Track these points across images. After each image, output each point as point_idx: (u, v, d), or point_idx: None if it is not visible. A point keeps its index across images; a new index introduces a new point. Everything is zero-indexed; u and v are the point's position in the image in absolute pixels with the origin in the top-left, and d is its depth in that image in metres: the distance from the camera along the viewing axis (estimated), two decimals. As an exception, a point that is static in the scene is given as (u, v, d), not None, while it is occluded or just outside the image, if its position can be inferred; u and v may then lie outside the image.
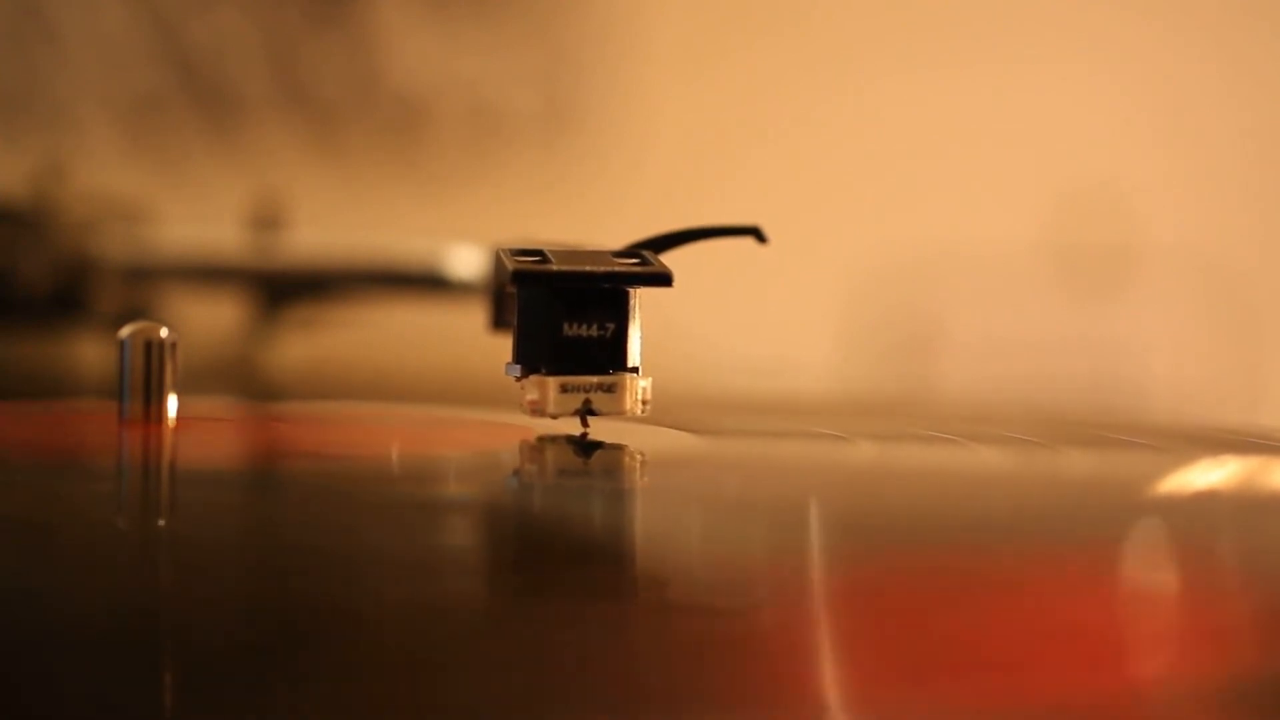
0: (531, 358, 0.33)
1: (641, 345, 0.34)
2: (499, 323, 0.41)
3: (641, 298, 0.34)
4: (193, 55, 0.94)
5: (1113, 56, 0.92)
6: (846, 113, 0.92)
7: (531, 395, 0.33)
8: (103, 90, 0.93)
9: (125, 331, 0.34)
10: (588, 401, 0.33)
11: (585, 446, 0.34)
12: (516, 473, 0.35)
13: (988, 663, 0.20)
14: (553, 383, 0.33)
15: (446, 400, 0.48)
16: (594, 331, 0.33)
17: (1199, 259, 0.90)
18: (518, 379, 0.33)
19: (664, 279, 0.33)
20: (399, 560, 0.24)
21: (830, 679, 0.20)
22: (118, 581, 0.23)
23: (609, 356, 0.33)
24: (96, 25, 0.93)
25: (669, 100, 0.93)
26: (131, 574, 0.23)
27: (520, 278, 0.33)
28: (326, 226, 0.65)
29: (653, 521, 0.29)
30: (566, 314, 0.33)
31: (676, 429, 0.37)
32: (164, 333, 0.34)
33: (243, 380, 0.58)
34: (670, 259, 0.34)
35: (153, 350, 0.34)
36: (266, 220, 0.64)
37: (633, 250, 0.34)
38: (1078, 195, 0.89)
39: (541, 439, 0.35)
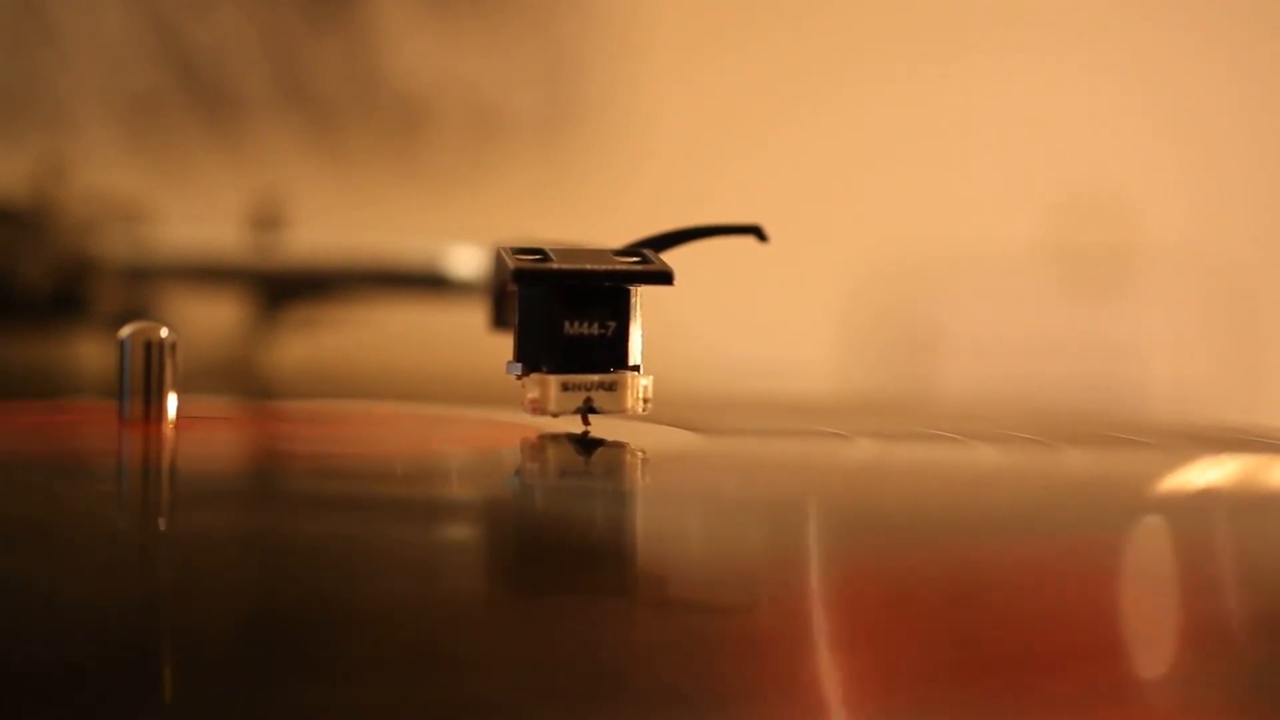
0: (533, 356, 0.33)
1: (642, 344, 0.34)
2: (500, 321, 0.41)
3: (642, 296, 0.34)
4: (193, 55, 0.94)
5: (1114, 56, 0.92)
6: (847, 112, 0.92)
7: (533, 394, 0.33)
8: (103, 90, 0.93)
9: (125, 331, 0.34)
10: (589, 400, 0.33)
11: (586, 445, 0.34)
12: (518, 471, 0.35)
13: (988, 662, 0.20)
14: (554, 381, 0.33)
15: (447, 399, 0.48)
16: (595, 330, 0.33)
17: (1199, 259, 0.90)
18: (519, 377, 0.33)
19: (665, 277, 0.33)
20: (400, 560, 0.24)
21: (831, 678, 0.20)
22: (118, 582, 0.23)
23: (610, 355, 0.33)
24: (96, 25, 0.93)
25: (669, 100, 0.93)
26: (132, 574, 0.23)
27: (521, 276, 0.33)
28: (326, 226, 0.65)
29: (654, 520, 0.29)
30: (567, 312, 0.33)
31: (677, 427, 0.37)
32: (164, 333, 0.34)
33: (243, 380, 0.58)
34: (671, 258, 0.34)
35: (153, 350, 0.34)
36: (266, 220, 0.64)
37: (634, 249, 0.34)
38: (1078, 195, 0.89)
39: (543, 437, 0.35)
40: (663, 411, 0.35)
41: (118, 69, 0.93)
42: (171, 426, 0.34)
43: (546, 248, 0.33)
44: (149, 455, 0.34)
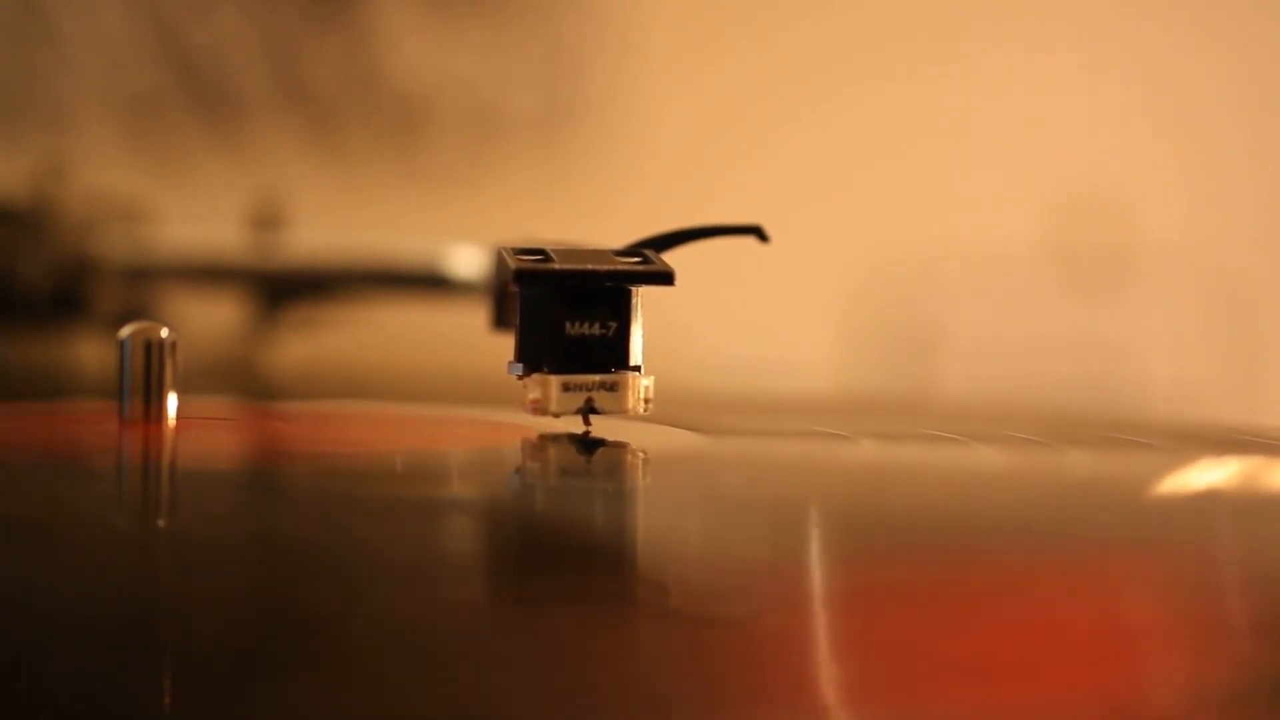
0: (534, 356, 0.33)
1: (643, 344, 0.34)
2: (500, 322, 0.41)
3: (643, 296, 0.34)
4: (193, 55, 0.94)
5: (1114, 56, 0.92)
6: (847, 112, 0.92)
7: (534, 394, 0.33)
8: (103, 90, 0.93)
9: (125, 331, 0.34)
10: (590, 400, 0.33)
11: (587, 445, 0.34)
12: (519, 471, 0.35)
13: (989, 664, 0.20)
14: (555, 381, 0.33)
15: (447, 399, 0.48)
16: (596, 330, 0.33)
17: (1199, 259, 0.90)
18: (520, 378, 0.33)
19: (666, 277, 0.33)
20: (400, 560, 0.24)
21: (831, 680, 0.20)
22: (118, 582, 0.23)
23: (611, 355, 0.33)
24: (96, 25, 0.93)
25: (669, 100, 0.93)
26: (131, 574, 0.23)
27: (522, 276, 0.33)
28: (326, 226, 0.65)
29: (655, 520, 0.29)
30: (569, 312, 0.33)
31: (679, 427, 0.37)
32: (164, 333, 0.34)
33: (243, 380, 0.58)
34: (671, 258, 0.34)
35: (153, 350, 0.34)
36: (266, 220, 0.64)
37: (635, 249, 0.34)
38: (1078, 195, 0.89)
39: (544, 437, 0.35)
40: (664, 412, 0.34)
41: (118, 69, 0.93)
42: (171, 426, 0.34)
43: (547, 248, 0.33)
44: (149, 455, 0.34)
